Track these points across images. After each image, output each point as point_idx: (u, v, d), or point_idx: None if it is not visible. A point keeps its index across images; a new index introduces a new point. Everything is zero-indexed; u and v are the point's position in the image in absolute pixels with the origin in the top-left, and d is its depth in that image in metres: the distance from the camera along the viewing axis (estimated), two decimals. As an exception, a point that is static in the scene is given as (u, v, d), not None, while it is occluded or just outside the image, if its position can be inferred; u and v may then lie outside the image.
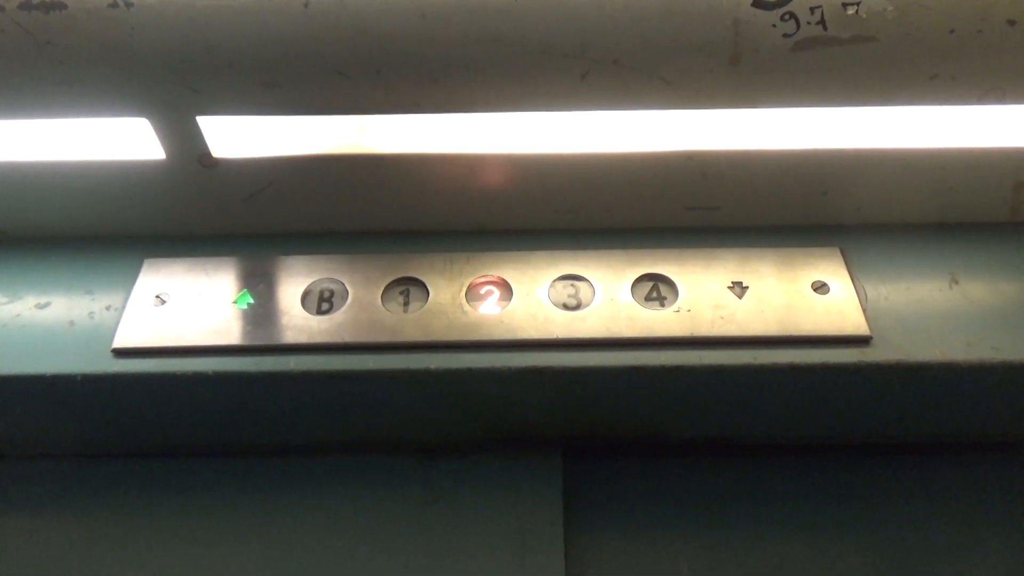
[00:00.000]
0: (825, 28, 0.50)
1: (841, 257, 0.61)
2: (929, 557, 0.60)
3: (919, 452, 0.63)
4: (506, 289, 0.60)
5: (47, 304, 0.60)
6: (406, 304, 0.59)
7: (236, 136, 0.58)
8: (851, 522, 0.61)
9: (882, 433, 0.62)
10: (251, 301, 0.60)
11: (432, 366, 0.56)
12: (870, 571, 0.59)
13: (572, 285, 0.60)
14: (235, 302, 0.60)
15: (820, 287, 0.59)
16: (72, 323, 0.59)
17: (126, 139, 0.58)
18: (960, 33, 0.50)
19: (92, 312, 0.60)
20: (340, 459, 0.63)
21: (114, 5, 0.50)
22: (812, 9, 0.50)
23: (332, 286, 0.60)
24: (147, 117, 0.55)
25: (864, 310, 0.58)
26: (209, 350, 0.57)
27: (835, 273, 0.60)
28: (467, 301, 0.59)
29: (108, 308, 0.60)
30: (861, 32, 0.50)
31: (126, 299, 0.60)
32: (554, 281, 0.60)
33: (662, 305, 0.59)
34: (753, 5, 0.50)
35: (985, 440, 0.63)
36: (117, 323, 0.58)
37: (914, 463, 0.63)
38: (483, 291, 0.60)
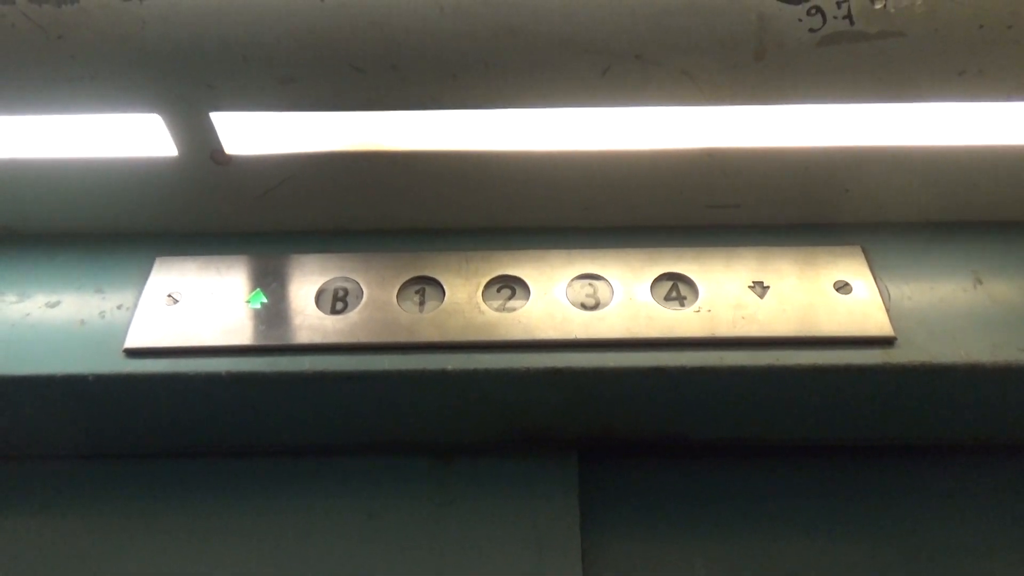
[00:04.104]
0: (852, 23, 0.49)
1: (863, 256, 0.60)
2: (952, 561, 0.59)
3: (942, 455, 0.63)
4: (523, 288, 0.59)
5: (57, 303, 0.59)
6: (422, 303, 0.59)
7: (249, 132, 0.57)
8: (871, 525, 0.60)
9: (905, 435, 0.61)
10: (264, 300, 0.59)
11: (449, 367, 0.55)
12: (890, 572, 0.58)
13: (590, 284, 0.59)
14: (248, 301, 0.59)
15: (842, 287, 0.58)
16: (83, 322, 0.58)
17: (138, 135, 0.57)
18: (989, 28, 0.49)
19: (103, 311, 0.59)
20: (355, 460, 0.62)
21: (127, -1, 0.49)
22: (839, 3, 0.49)
23: (346, 285, 0.59)
24: (159, 113, 0.54)
25: (887, 310, 0.57)
26: (222, 350, 0.56)
27: (858, 272, 0.59)
28: (484, 300, 0.58)
29: (119, 307, 0.59)
30: (888, 27, 0.49)
31: (137, 298, 0.59)
32: (572, 280, 0.59)
33: (682, 305, 0.58)
34: (779, -1, 0.49)
35: (1011, 443, 0.62)
36: (128, 322, 0.58)
37: (937, 466, 0.62)
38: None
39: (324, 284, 0.59)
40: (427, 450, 0.63)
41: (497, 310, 0.58)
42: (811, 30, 0.49)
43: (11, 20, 0.49)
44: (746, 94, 0.52)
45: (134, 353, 0.56)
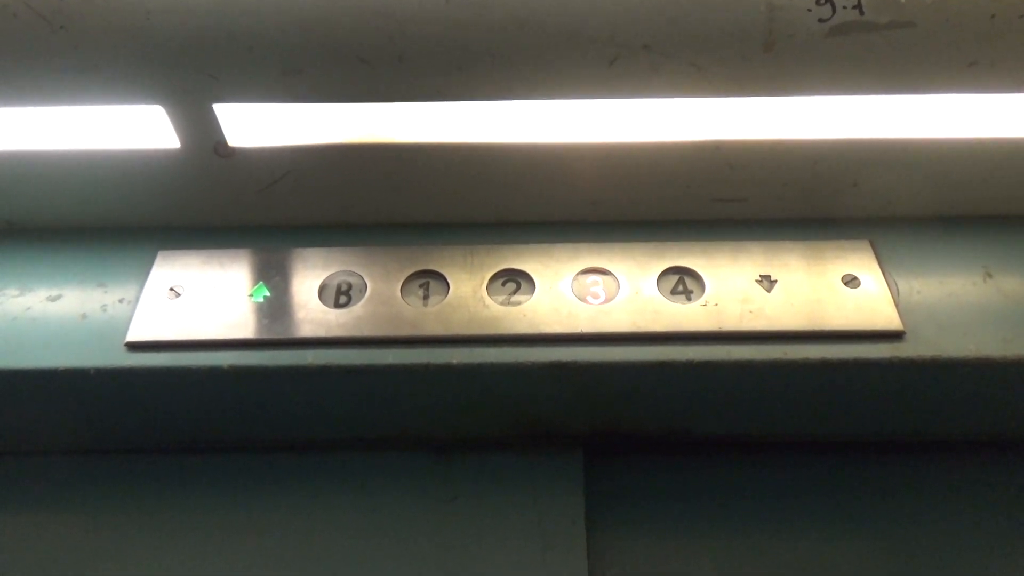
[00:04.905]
0: (862, 13, 0.49)
1: (872, 250, 0.59)
2: (961, 557, 0.58)
3: (951, 450, 0.62)
4: (528, 282, 0.58)
5: (59, 296, 0.59)
6: (426, 297, 0.58)
7: (253, 124, 0.57)
8: (879, 520, 0.60)
9: (914, 430, 0.61)
10: (267, 294, 0.58)
11: (453, 361, 0.55)
12: (899, 570, 0.58)
13: (596, 278, 0.59)
14: (251, 295, 0.58)
15: (851, 281, 0.58)
16: (84, 316, 0.58)
17: (140, 127, 0.57)
18: (1001, 18, 0.49)
19: (105, 305, 0.58)
20: (358, 455, 0.62)
21: (129, -12, 0.48)
22: (849, -7, 0.48)
23: (350, 279, 0.59)
24: (162, 104, 0.53)
25: (896, 304, 0.56)
26: (224, 344, 0.56)
27: (866, 266, 0.58)
28: (488, 294, 0.58)
29: (121, 301, 0.58)
30: (899, 17, 0.49)
31: (139, 292, 0.59)
32: (578, 274, 0.59)
33: (688, 299, 0.57)
34: (788, -11, 0.48)
35: (1022, 438, 0.62)
36: (130, 316, 0.57)
37: (946, 461, 0.62)
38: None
39: (327, 278, 0.59)
40: (431, 445, 0.62)
41: (502, 304, 0.57)
42: (820, 20, 0.49)
43: (13, 10, 0.49)
44: (754, 86, 0.52)
45: (136, 347, 0.56)
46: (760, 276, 0.58)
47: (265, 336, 0.56)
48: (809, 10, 0.49)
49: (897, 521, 0.60)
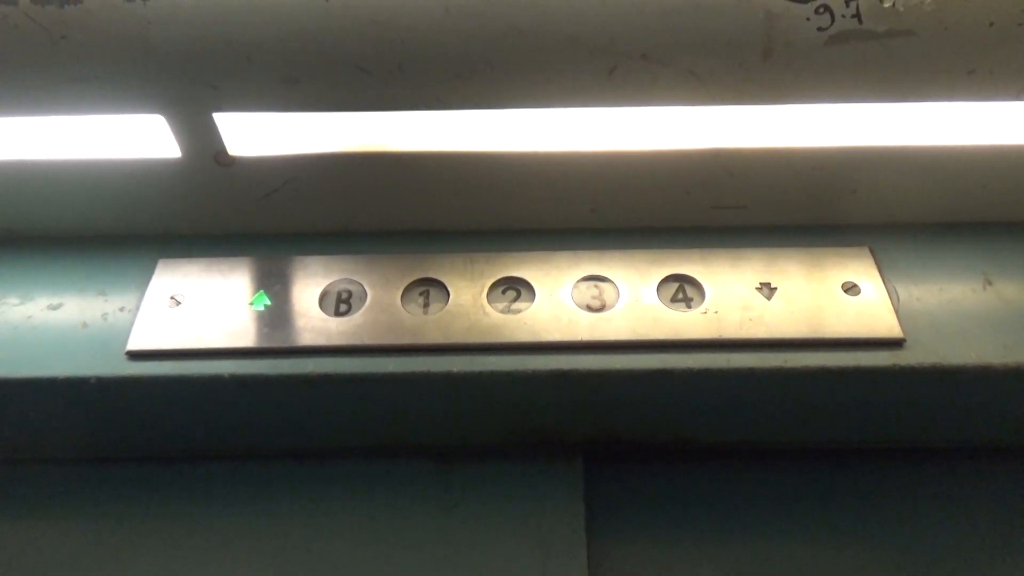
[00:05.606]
0: (860, 22, 0.49)
1: (871, 257, 0.59)
2: (961, 565, 0.58)
3: (951, 458, 0.62)
4: (528, 290, 0.58)
5: (59, 305, 0.59)
6: (426, 305, 0.58)
7: (253, 133, 0.57)
8: (879, 527, 0.60)
9: (914, 438, 0.61)
10: (268, 302, 0.58)
11: (453, 369, 0.55)
12: (899, 578, 0.58)
13: (596, 286, 0.59)
14: (251, 303, 0.58)
15: (850, 288, 0.58)
16: (85, 325, 0.58)
17: (141, 136, 0.57)
18: (1000, 26, 0.49)
19: (106, 313, 0.58)
20: (358, 463, 0.62)
21: (130, -1, 0.49)
22: (847, 2, 0.48)
23: (350, 287, 0.59)
24: (163, 114, 0.54)
25: (896, 312, 0.56)
26: (225, 352, 0.56)
27: (866, 274, 0.58)
28: (488, 302, 0.58)
29: (122, 309, 0.59)
30: (897, 26, 0.49)
31: (140, 300, 0.59)
32: (577, 282, 0.59)
33: (688, 306, 0.57)
34: (787, -2, 0.48)
35: (1021, 445, 0.62)
36: (131, 325, 0.57)
37: (946, 469, 0.62)
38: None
39: (328, 286, 0.59)
40: (431, 453, 0.62)
41: (502, 312, 0.57)
42: (819, 29, 0.49)
43: (14, 21, 0.49)
44: (753, 94, 0.52)
45: (136, 355, 0.56)
46: (760, 283, 0.58)
47: (266, 344, 0.56)
48: (808, 19, 0.49)
49: (897, 528, 0.60)
